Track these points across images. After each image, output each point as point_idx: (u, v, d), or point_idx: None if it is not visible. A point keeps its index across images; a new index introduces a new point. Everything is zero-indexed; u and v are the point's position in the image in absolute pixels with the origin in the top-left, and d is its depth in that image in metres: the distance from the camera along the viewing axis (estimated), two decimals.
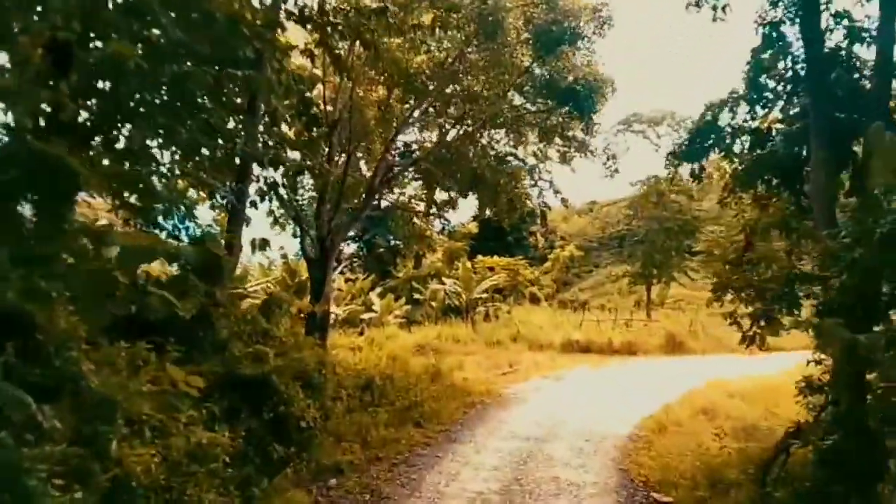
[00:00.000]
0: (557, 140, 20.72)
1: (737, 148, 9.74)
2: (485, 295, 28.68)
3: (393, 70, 17.61)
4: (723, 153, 9.79)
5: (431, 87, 17.75)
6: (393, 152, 17.49)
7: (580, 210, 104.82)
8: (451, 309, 29.20)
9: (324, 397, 10.57)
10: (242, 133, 11.49)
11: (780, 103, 9.24)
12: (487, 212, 23.25)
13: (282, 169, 15.82)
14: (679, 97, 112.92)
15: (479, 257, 37.24)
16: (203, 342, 10.26)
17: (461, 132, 18.24)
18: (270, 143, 13.46)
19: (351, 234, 49.81)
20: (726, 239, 45.55)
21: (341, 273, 32.55)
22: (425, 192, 22.81)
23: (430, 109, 18.86)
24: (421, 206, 22.19)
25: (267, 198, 16.17)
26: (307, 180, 18.46)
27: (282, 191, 15.68)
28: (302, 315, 14.96)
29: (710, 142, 9.80)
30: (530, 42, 16.65)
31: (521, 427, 12.17)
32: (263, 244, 15.51)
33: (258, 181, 15.80)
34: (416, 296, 32.08)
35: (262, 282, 23.22)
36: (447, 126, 18.87)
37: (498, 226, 56.02)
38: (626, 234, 51.80)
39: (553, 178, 49.91)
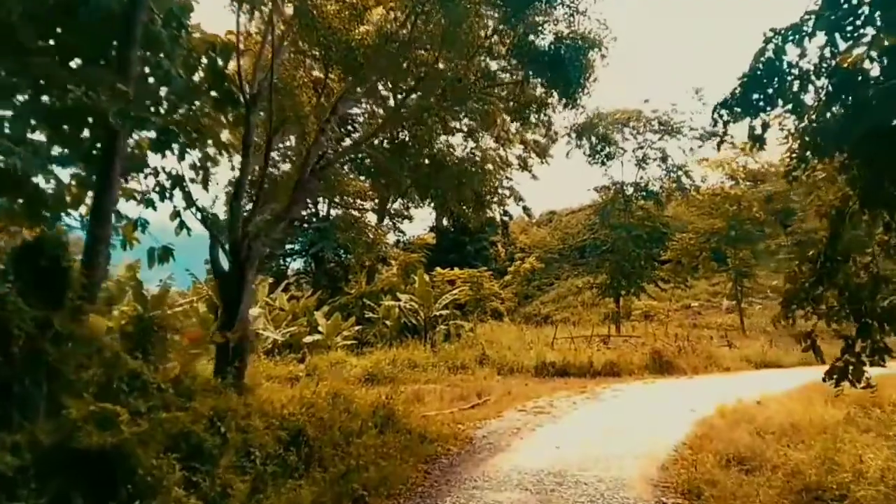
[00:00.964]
0: (532, 119, 17.63)
1: (809, 99, 6.85)
2: (445, 311, 25.49)
3: (331, 41, 14.46)
4: (789, 105, 6.86)
5: (376, 64, 14.60)
6: (330, 135, 14.19)
7: (539, 221, 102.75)
8: (407, 328, 26.00)
9: (216, 471, 7.26)
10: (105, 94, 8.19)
11: (871, 31, 6.37)
12: (448, 214, 20.00)
13: (190, 158, 12.56)
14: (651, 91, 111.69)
15: (438, 270, 34.16)
16: (27, 397, 6.88)
17: (414, 105, 15.03)
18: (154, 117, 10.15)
19: (294, 247, 46.39)
20: (695, 246, 42.56)
21: (285, 290, 29.04)
22: (371, 190, 19.63)
23: (379, 86, 15.79)
24: (367, 206, 18.90)
25: (168, 195, 12.88)
26: (224, 174, 15.17)
27: (190, 186, 12.34)
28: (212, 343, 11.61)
29: (773, 88, 6.86)
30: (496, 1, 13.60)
31: (503, 497, 8.98)
32: (166, 254, 12.05)
33: (157, 174, 12.49)
34: (369, 314, 28.82)
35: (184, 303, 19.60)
36: (397, 101, 15.70)
37: (457, 237, 53.21)
38: (588, 245, 49.20)
39: (514, 186, 47.09)
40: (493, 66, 15.60)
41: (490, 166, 20.23)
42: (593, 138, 45.48)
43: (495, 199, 44.96)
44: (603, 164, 44.16)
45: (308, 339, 23.53)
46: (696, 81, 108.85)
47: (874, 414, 11.94)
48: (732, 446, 10.81)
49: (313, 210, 38.70)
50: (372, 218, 39.46)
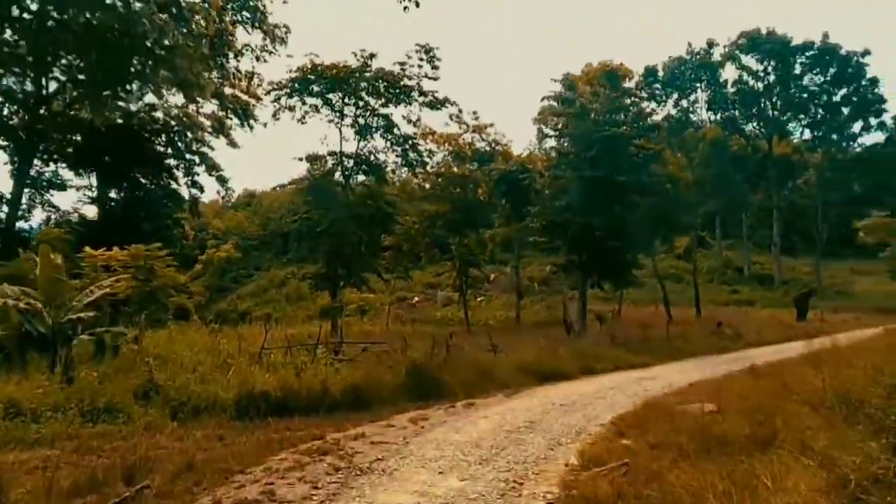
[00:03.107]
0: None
1: None
2: (91, 313, 16.42)
3: None
4: None
5: None
6: None
7: (237, 203, 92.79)
8: (27, 339, 16.66)
9: None
10: None
11: None
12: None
13: None
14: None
15: (88, 250, 24.26)
16: None
17: None
18: None
19: None
20: (418, 231, 37.13)
21: None
22: None
23: None
24: None
25: None
26: None
27: None
28: None
29: None
30: None
31: None
32: None
33: None
34: None
35: None
36: None
37: (129, 212, 42.38)
38: (296, 228, 41.90)
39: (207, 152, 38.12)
40: None
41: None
42: (307, 98, 38.31)
43: (180, 164, 35.57)
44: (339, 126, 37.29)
45: None
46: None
47: None
48: None
49: None
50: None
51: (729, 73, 63.81)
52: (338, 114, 38.59)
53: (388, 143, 39.42)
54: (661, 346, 24.29)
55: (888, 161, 57.35)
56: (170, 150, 39.04)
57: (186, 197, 40.45)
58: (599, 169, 26.54)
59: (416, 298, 55.74)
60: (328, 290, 39.12)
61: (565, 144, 28.00)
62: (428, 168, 41.21)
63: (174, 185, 39.04)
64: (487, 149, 42.70)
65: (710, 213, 56.36)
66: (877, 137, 57.91)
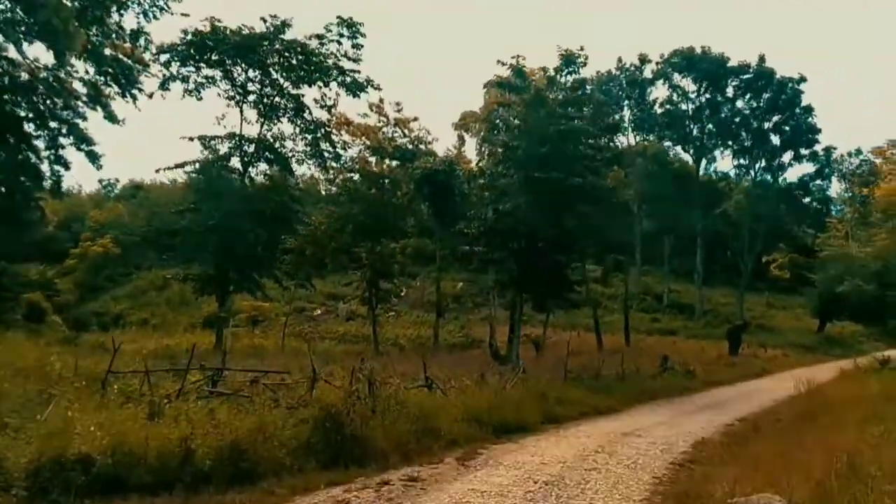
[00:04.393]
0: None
1: None
2: None
3: None
4: None
5: None
6: None
7: (122, 194, 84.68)
8: None
9: None
10: None
11: None
12: None
13: None
14: None
15: None
16: None
17: None
18: None
19: None
20: (325, 234, 31.73)
21: None
22: None
23: None
24: None
25: None
26: None
27: None
28: None
29: None
30: None
31: None
32: None
33: None
34: None
35: None
36: None
37: None
38: (183, 223, 36.02)
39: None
40: None
41: None
42: (203, 68, 32.93)
43: (43, 133, 29.12)
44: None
45: None
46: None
47: None
48: None
49: None
50: None
51: (659, 91, 61.99)
52: (239, 90, 33.29)
53: (297, 129, 34.65)
54: (620, 385, 20.35)
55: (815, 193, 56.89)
56: (31, 115, 32.47)
57: (48, 173, 33.67)
58: (550, 169, 22.64)
59: (318, 311, 50.35)
60: (216, 296, 33.56)
61: (512, 139, 23.87)
62: (341, 162, 36.46)
63: (34, 159, 32.34)
64: (410, 146, 38.26)
65: (648, 233, 53.88)
66: (807, 168, 57.48)
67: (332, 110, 34.46)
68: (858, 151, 68.62)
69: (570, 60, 23.71)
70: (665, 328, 53.26)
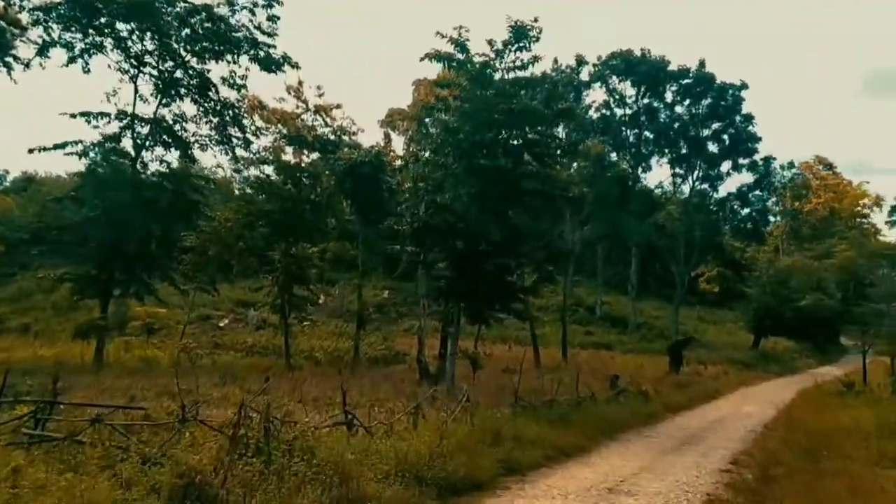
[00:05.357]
0: None
1: None
2: None
3: None
4: None
5: None
6: None
7: (10, 188, 77.54)
8: None
9: None
10: None
11: None
12: None
13: None
14: None
15: None
16: None
17: None
18: None
19: None
20: (230, 233, 27.23)
21: None
22: None
23: None
24: None
25: None
26: None
27: None
28: None
29: None
30: None
31: None
32: None
33: None
34: None
35: None
36: None
37: None
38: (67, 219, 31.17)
39: None
40: None
41: None
42: (90, 33, 28.48)
43: None
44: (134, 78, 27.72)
45: None
46: None
47: None
48: None
49: None
50: None
51: (596, 94, 59.86)
52: (133, 61, 28.73)
53: (201, 111, 30.29)
54: (577, 413, 16.99)
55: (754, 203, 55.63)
56: None
57: None
58: (497, 157, 19.38)
59: (225, 320, 45.66)
60: (99, 299, 28.86)
61: (453, 121, 20.34)
62: (253, 151, 32.36)
63: None
64: (332, 137, 34.38)
65: (586, 240, 51.34)
66: (746, 178, 56.03)
67: (243, 90, 30.28)
68: (791, 164, 68.22)
69: (520, 33, 20.46)
70: (600, 342, 50.99)
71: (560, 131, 22.96)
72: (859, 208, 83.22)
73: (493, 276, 20.60)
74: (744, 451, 14.91)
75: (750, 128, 55.12)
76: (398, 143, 54.93)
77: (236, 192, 48.55)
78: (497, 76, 20.84)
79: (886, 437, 16.28)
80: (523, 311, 24.30)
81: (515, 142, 20.61)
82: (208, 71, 29.87)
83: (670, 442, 15.91)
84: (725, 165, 55.96)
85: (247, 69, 29.76)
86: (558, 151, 21.11)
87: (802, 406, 24.94)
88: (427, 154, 22.90)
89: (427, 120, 27.32)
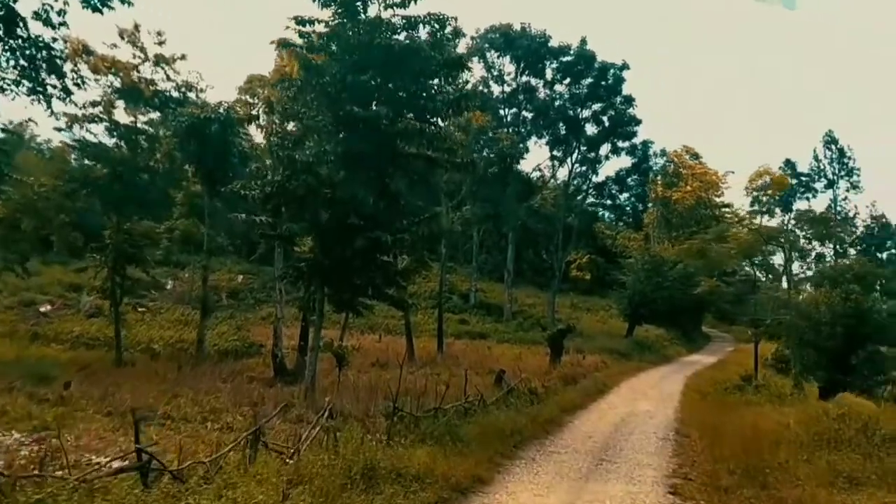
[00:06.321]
0: None
1: None
2: None
3: None
4: None
5: None
6: None
7: None
8: None
9: None
10: None
11: None
12: None
13: None
14: None
15: None
16: None
17: None
18: None
19: None
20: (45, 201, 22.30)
21: None
22: None
23: None
24: None
25: None
26: None
27: None
28: None
29: None
30: None
31: None
32: None
33: None
34: None
35: None
36: None
37: None
38: None
39: None
40: None
41: None
42: None
43: None
44: None
45: None
46: None
47: None
48: None
49: None
50: None
51: (474, 71, 57.08)
52: None
53: (6, 50, 24.85)
54: (468, 426, 13.64)
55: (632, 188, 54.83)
56: None
57: None
58: (372, 106, 15.74)
59: (48, 306, 39.50)
60: None
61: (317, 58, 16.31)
62: (74, 103, 27.19)
63: None
64: (175, 94, 29.63)
65: (463, 221, 48.33)
66: (625, 162, 54.83)
67: (61, 29, 24.99)
68: (663, 152, 68.31)
69: None
70: (475, 331, 48.48)
71: (447, 87, 19.46)
72: (720, 197, 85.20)
73: (366, 254, 16.92)
74: (676, 473, 12.15)
75: (630, 110, 54.20)
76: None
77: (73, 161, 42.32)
78: (372, 11, 17.13)
79: (825, 447, 14.04)
80: (400, 298, 20.74)
81: (398, 93, 16.97)
82: (14, 1, 24.47)
83: (582, 460, 12.91)
84: (605, 148, 54.84)
85: (65, 3, 24.53)
86: (448, 109, 17.69)
87: (700, 403, 23.04)
88: (284, 101, 18.81)
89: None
